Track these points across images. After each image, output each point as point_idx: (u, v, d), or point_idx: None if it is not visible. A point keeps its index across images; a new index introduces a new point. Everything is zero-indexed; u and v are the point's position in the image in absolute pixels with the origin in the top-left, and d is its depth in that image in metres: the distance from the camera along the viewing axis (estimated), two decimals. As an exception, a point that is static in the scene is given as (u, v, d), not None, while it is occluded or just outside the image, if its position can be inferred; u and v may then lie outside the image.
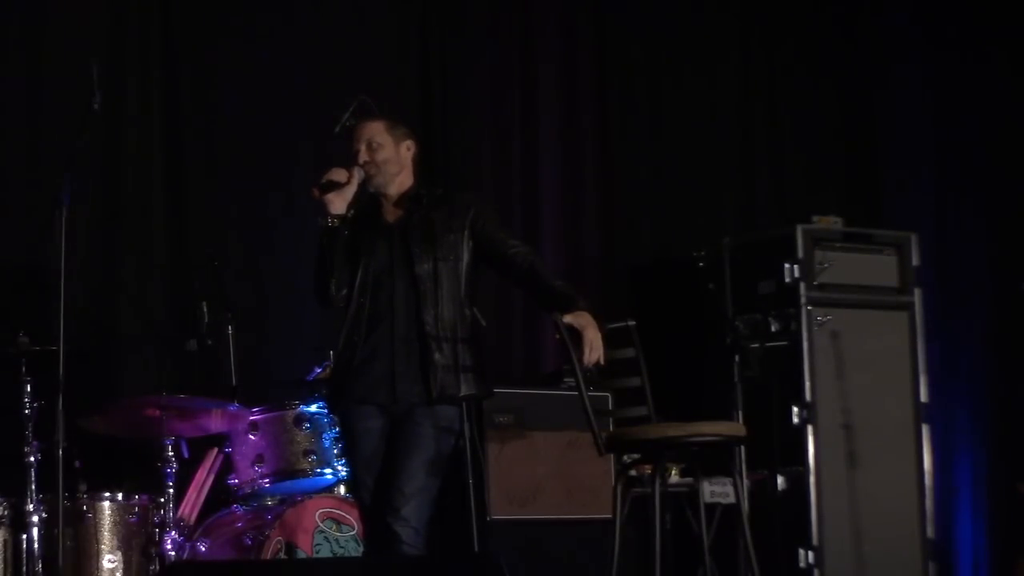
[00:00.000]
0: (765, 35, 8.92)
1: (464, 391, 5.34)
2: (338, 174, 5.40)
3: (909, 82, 9.16)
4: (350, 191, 5.39)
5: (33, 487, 5.90)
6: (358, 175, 5.39)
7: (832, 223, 7.85)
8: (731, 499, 6.94)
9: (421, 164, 5.55)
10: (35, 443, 5.92)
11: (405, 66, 7.91)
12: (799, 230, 7.70)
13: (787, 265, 7.66)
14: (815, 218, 7.80)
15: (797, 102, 8.94)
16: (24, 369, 5.98)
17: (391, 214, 5.44)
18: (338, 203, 5.36)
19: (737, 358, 6.99)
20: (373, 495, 5.27)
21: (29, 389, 5.97)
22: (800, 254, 7.67)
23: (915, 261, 7.94)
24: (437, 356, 5.30)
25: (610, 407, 7.22)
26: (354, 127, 5.56)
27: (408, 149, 5.50)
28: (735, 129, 8.79)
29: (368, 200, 5.49)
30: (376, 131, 5.47)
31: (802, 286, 7.64)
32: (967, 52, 9.11)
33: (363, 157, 5.43)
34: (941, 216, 9.03)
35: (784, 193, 8.81)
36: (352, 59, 7.66)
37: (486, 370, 5.45)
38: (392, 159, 5.46)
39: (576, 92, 8.34)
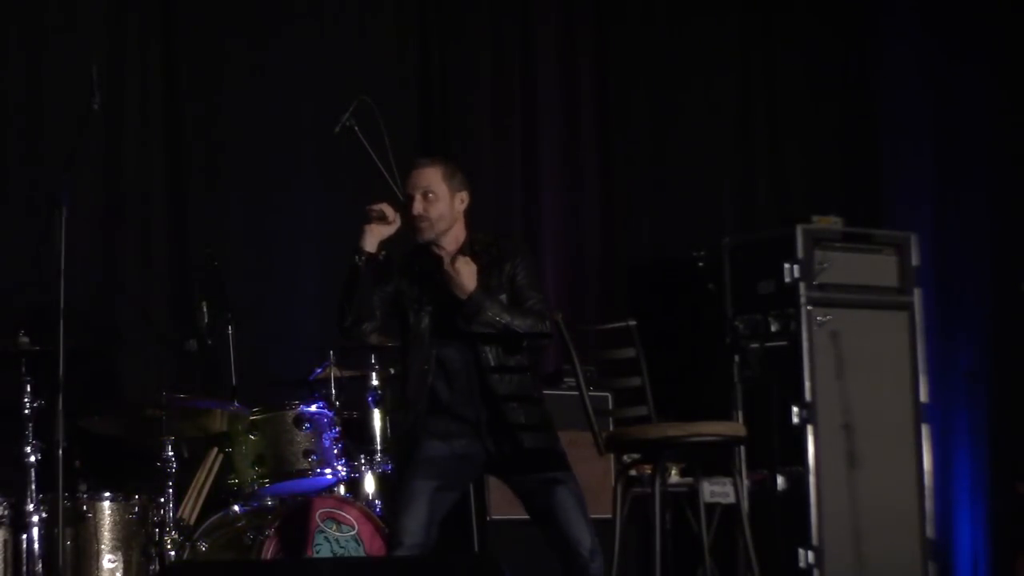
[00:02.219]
0: (765, 35, 8.92)
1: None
2: (388, 210, 5.29)
3: (909, 82, 9.16)
4: (387, 232, 5.29)
5: (33, 487, 5.89)
6: (399, 222, 5.28)
7: (832, 223, 7.86)
8: (731, 499, 6.94)
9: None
10: (35, 443, 5.92)
11: (405, 66, 7.91)
12: (799, 230, 7.71)
13: (787, 265, 7.66)
14: (815, 218, 7.81)
15: (797, 102, 8.93)
16: (24, 369, 5.97)
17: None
18: (371, 240, 5.27)
19: (737, 358, 7.00)
20: None
21: (29, 389, 5.96)
22: (800, 254, 7.67)
23: (915, 261, 7.95)
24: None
25: (610, 407, 7.21)
26: (415, 165, 5.40)
27: (462, 202, 5.37)
28: (735, 129, 8.80)
29: (422, 250, 5.36)
30: (433, 180, 5.32)
31: (802, 286, 7.64)
32: (968, 52, 9.11)
33: (417, 210, 5.29)
34: (941, 216, 9.03)
35: (784, 193, 8.81)
36: (352, 59, 7.66)
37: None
38: (446, 214, 5.31)
39: (576, 92, 8.34)
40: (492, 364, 5.28)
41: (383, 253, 5.30)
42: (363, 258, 5.24)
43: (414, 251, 5.39)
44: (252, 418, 6.35)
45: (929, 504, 7.80)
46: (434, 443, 5.27)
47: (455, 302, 5.21)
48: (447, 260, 5.24)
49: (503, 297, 5.28)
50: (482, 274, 5.25)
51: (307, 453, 6.30)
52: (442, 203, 5.30)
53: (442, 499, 5.29)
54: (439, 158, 5.48)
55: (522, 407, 5.31)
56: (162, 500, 6.11)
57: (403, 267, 5.38)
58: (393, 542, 5.21)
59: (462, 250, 5.32)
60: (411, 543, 5.15)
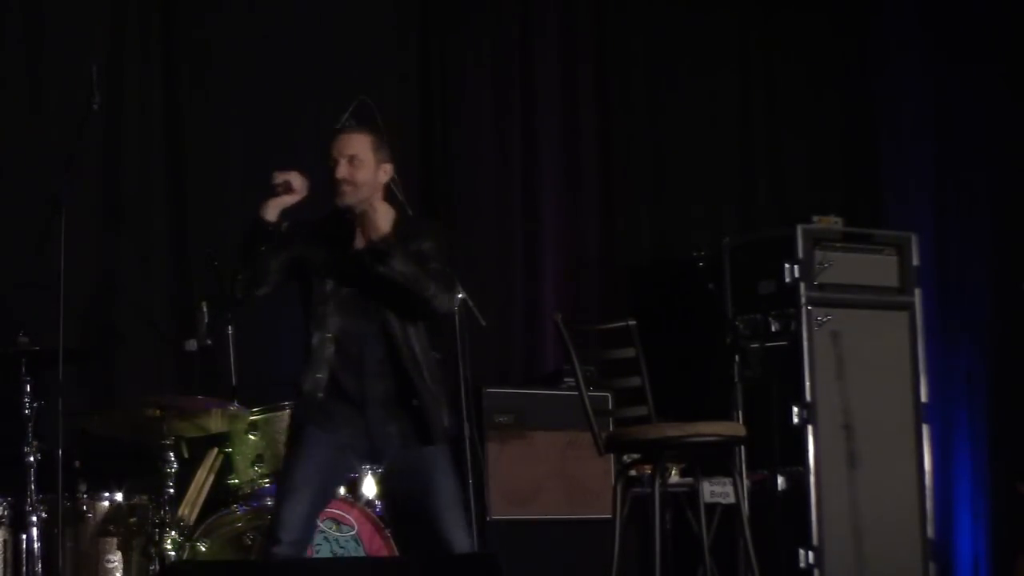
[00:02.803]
0: (765, 35, 8.92)
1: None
2: (296, 180, 5.21)
3: (909, 82, 9.16)
4: (291, 201, 5.21)
5: (33, 487, 5.89)
6: (306, 191, 5.20)
7: (832, 223, 7.85)
8: (731, 499, 6.94)
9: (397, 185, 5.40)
10: (35, 443, 5.92)
11: (405, 66, 7.91)
12: (799, 230, 7.71)
13: (787, 265, 7.66)
14: (815, 218, 7.81)
15: (797, 102, 8.93)
16: (24, 369, 5.97)
17: (362, 242, 5.22)
18: (272, 210, 5.20)
19: (737, 358, 7.00)
20: None
21: (29, 389, 5.96)
22: (800, 254, 7.67)
23: (915, 261, 7.95)
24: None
25: (610, 407, 7.22)
26: (343, 130, 5.39)
27: (385, 173, 5.30)
28: (735, 129, 8.79)
29: (336, 216, 5.28)
30: (361, 146, 5.26)
31: (802, 286, 7.64)
32: (968, 52, 9.11)
33: (342, 173, 5.24)
34: (941, 216, 9.03)
35: (784, 193, 8.81)
36: (352, 59, 7.66)
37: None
38: (369, 181, 5.25)
39: (576, 92, 8.34)
40: (400, 339, 5.17)
41: (284, 224, 5.22)
42: (262, 227, 5.18)
43: (324, 218, 5.32)
44: (252, 418, 6.35)
45: (929, 504, 7.80)
46: (320, 434, 5.15)
47: (362, 271, 5.13)
48: (367, 204, 5.17)
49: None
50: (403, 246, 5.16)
51: (307, 453, 6.29)
52: (367, 170, 5.23)
53: (322, 494, 5.21)
54: (369, 126, 5.41)
55: (421, 401, 5.18)
56: (162, 500, 6.11)
57: (311, 233, 5.29)
58: (271, 535, 5.08)
59: None
60: (289, 539, 5.03)
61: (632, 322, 6.38)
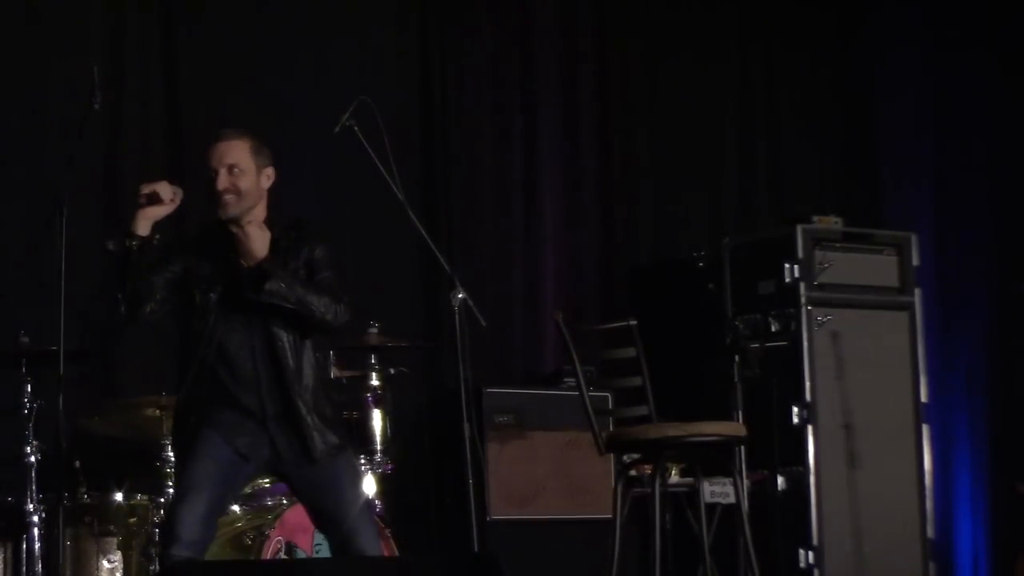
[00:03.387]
0: (765, 34, 8.92)
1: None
2: (164, 190, 5.02)
3: (909, 81, 9.16)
4: (162, 212, 5.02)
5: (33, 487, 5.89)
6: (179, 201, 5.02)
7: (832, 223, 7.85)
8: (731, 499, 6.94)
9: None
10: (35, 443, 5.91)
11: (405, 66, 7.91)
12: (799, 230, 7.70)
13: (787, 265, 7.66)
14: (815, 218, 7.80)
15: (797, 102, 8.94)
16: (24, 369, 5.97)
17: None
18: (143, 224, 4.99)
19: (737, 358, 7.00)
20: None
21: (29, 389, 5.96)
22: (800, 254, 7.67)
23: (915, 261, 7.94)
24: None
25: (610, 407, 7.23)
26: (210, 140, 5.16)
27: (268, 178, 5.10)
28: (735, 129, 8.79)
29: (219, 228, 5.08)
30: (240, 153, 5.04)
31: (802, 286, 7.64)
32: (968, 51, 9.11)
33: (223, 184, 5.00)
34: (941, 216, 9.03)
35: (784, 193, 8.81)
36: (352, 59, 7.66)
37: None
38: (252, 190, 5.04)
39: (576, 92, 8.34)
40: (286, 351, 5.01)
41: (157, 236, 5.03)
42: (135, 242, 4.97)
43: (206, 229, 5.15)
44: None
45: (929, 504, 7.80)
46: (216, 439, 5.01)
47: (246, 280, 4.96)
48: (248, 221, 4.99)
49: (301, 275, 5.04)
50: (280, 255, 5.02)
51: (307, 453, 6.29)
52: (249, 178, 5.03)
53: (220, 497, 5.04)
54: (245, 131, 5.18)
55: (313, 412, 5.03)
56: (162, 500, 6.11)
57: (193, 245, 5.14)
58: (169, 534, 4.92)
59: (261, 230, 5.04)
60: (188, 537, 4.88)
61: (632, 322, 6.38)
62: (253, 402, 5.03)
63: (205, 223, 5.16)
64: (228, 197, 5.02)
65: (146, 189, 5.02)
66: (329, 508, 5.07)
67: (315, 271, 5.07)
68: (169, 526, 4.95)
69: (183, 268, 5.07)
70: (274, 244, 5.00)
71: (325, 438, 5.04)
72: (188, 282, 5.06)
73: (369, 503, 5.15)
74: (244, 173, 5.04)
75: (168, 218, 5.09)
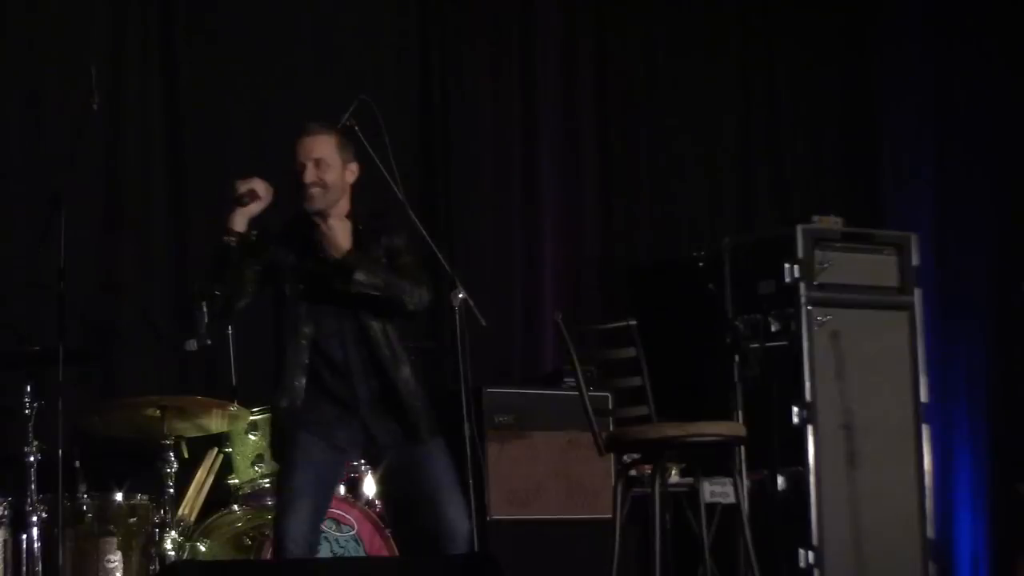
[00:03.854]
0: (765, 35, 8.92)
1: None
2: (259, 186, 5.15)
3: (910, 82, 9.16)
4: (258, 209, 5.15)
5: (33, 487, 5.89)
6: (271, 197, 5.14)
7: (832, 223, 7.85)
8: (731, 499, 6.94)
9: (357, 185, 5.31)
10: (35, 443, 5.91)
11: (405, 66, 7.91)
12: (799, 230, 7.70)
13: (787, 265, 7.66)
14: (815, 218, 7.80)
15: (797, 102, 8.94)
16: (24, 369, 5.97)
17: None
18: (240, 220, 5.13)
19: (737, 358, 7.00)
20: None
21: (29, 389, 5.96)
22: (800, 254, 7.67)
23: (915, 261, 7.94)
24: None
25: (610, 407, 7.22)
26: (296, 135, 5.29)
27: (352, 173, 5.25)
28: (735, 129, 8.79)
29: (304, 221, 5.21)
30: (326, 148, 5.18)
31: (802, 286, 7.64)
32: (968, 51, 9.11)
33: (310, 177, 5.15)
34: (941, 216, 9.03)
35: (784, 193, 8.81)
36: (352, 59, 7.66)
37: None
38: (338, 183, 5.18)
39: (576, 92, 8.34)
40: (378, 337, 5.14)
41: (254, 232, 5.16)
42: (233, 239, 5.11)
43: (292, 222, 5.25)
44: (252, 418, 6.35)
45: (929, 504, 7.79)
46: (314, 440, 5.11)
47: (334, 272, 5.08)
48: (334, 214, 5.12)
49: (382, 263, 5.16)
50: (362, 245, 5.13)
51: (307, 453, 6.29)
52: (334, 171, 5.17)
53: (325, 499, 5.18)
54: (331, 126, 5.33)
55: (409, 393, 5.16)
56: (162, 500, 6.12)
57: (280, 238, 5.24)
58: (279, 549, 5.03)
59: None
60: (298, 551, 4.99)
61: (632, 322, 6.38)
62: (346, 391, 5.16)
63: (290, 216, 5.25)
64: (314, 190, 5.15)
65: (243, 187, 5.16)
66: (423, 484, 5.13)
67: (395, 258, 5.18)
68: (279, 539, 5.04)
69: (271, 261, 5.19)
70: (356, 235, 5.12)
71: (428, 417, 5.17)
72: (276, 275, 5.19)
73: (457, 482, 5.22)
74: (330, 167, 5.17)
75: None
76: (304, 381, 5.15)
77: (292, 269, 5.17)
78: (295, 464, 5.12)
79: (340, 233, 5.09)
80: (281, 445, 5.21)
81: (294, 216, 5.26)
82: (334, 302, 5.14)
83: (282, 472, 5.20)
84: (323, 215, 5.16)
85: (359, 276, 5.04)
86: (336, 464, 5.23)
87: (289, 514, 5.05)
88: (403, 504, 5.27)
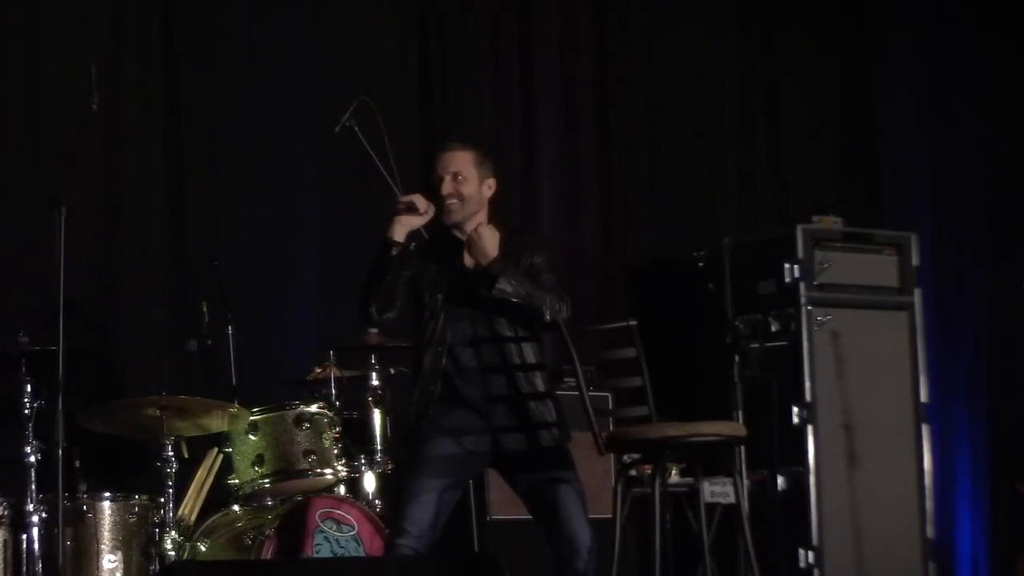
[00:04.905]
0: (765, 35, 8.92)
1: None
2: (420, 201, 5.27)
3: (910, 81, 9.16)
4: (419, 222, 5.29)
5: (33, 487, 5.89)
6: (432, 213, 5.28)
7: (832, 223, 7.86)
8: (731, 499, 6.94)
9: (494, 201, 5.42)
10: (35, 443, 5.91)
11: (405, 66, 7.91)
12: (799, 230, 7.71)
13: (787, 265, 7.66)
14: (815, 218, 7.81)
15: (797, 102, 8.94)
16: (24, 369, 5.97)
17: (470, 259, 5.28)
18: (401, 231, 5.25)
19: (737, 358, 6.99)
20: None
21: (29, 389, 5.96)
22: (800, 254, 7.67)
23: (915, 261, 7.95)
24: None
25: (610, 407, 7.22)
26: (437, 151, 5.42)
27: (490, 188, 5.36)
28: (735, 129, 8.79)
29: (443, 233, 5.36)
30: (464, 163, 5.32)
31: (802, 286, 7.64)
32: (968, 51, 9.11)
33: (447, 189, 5.29)
34: (941, 216, 9.03)
35: (784, 193, 8.81)
36: (352, 59, 7.66)
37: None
38: (475, 196, 5.31)
39: (576, 92, 8.34)
40: (511, 345, 5.26)
41: (413, 244, 5.31)
42: (395, 249, 5.24)
43: (434, 235, 5.41)
44: (252, 418, 6.35)
45: (929, 504, 7.80)
46: (444, 440, 5.24)
47: (473, 285, 5.21)
48: (471, 227, 5.25)
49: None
50: (507, 256, 5.26)
51: (307, 453, 6.30)
52: (471, 185, 5.30)
53: (450, 497, 5.28)
54: (471, 143, 5.48)
55: (540, 401, 5.28)
56: (162, 500, 6.11)
57: (422, 251, 5.37)
58: (396, 531, 5.15)
59: None
60: (418, 533, 5.12)
61: (632, 322, 6.39)
62: (477, 396, 5.26)
63: (432, 229, 5.39)
64: (452, 202, 5.28)
65: (404, 200, 5.29)
66: (547, 495, 5.25)
67: (536, 275, 5.31)
68: (399, 520, 5.18)
69: (413, 273, 5.32)
70: (502, 246, 5.24)
71: (551, 427, 5.26)
72: (418, 286, 5.31)
73: (582, 493, 5.29)
74: (467, 181, 5.30)
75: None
76: (439, 386, 5.26)
77: (432, 280, 5.30)
78: (427, 460, 5.23)
79: (489, 240, 5.21)
80: (412, 446, 5.31)
81: (434, 229, 5.39)
82: (471, 310, 5.27)
83: (409, 471, 5.29)
84: (461, 227, 5.29)
85: (503, 284, 5.17)
86: (464, 468, 5.31)
87: (412, 503, 5.17)
88: (531, 508, 5.37)
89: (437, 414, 5.26)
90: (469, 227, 5.28)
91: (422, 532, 5.15)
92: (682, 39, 8.68)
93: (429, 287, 5.30)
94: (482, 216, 5.34)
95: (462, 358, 5.27)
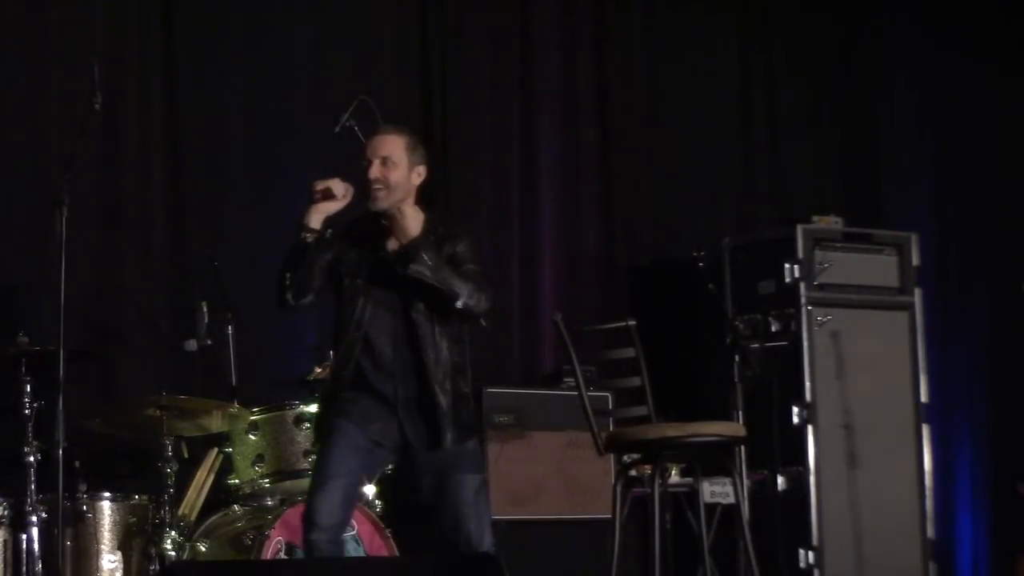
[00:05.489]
0: (764, 35, 8.92)
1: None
2: (337, 186, 5.25)
3: (909, 81, 9.16)
4: (335, 208, 5.26)
5: (33, 487, 5.89)
6: (350, 197, 5.25)
7: (832, 223, 7.86)
8: (731, 499, 6.94)
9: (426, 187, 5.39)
10: (35, 443, 5.91)
11: (405, 66, 7.91)
12: (799, 230, 7.71)
13: (787, 265, 7.67)
14: (815, 218, 7.81)
15: (797, 102, 8.94)
16: (24, 369, 5.97)
17: (393, 243, 5.25)
18: (316, 217, 5.24)
19: (737, 358, 6.99)
20: None
21: (29, 389, 5.96)
22: (800, 254, 7.67)
23: (915, 261, 7.95)
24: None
25: (610, 407, 7.23)
26: (368, 134, 5.40)
27: (419, 175, 5.31)
28: (735, 129, 8.80)
29: (368, 218, 5.31)
30: (395, 148, 5.27)
31: (802, 286, 7.64)
32: (967, 51, 9.11)
33: (375, 174, 5.24)
34: (941, 216, 9.03)
35: (784, 193, 8.81)
36: (352, 59, 7.66)
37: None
38: (403, 184, 5.26)
39: (576, 92, 8.34)
40: (427, 340, 5.20)
41: (329, 231, 5.26)
42: (309, 236, 5.22)
43: (356, 220, 5.35)
44: (252, 418, 6.36)
45: (929, 504, 7.80)
46: (351, 428, 5.20)
47: (393, 273, 5.16)
48: (397, 208, 5.20)
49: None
50: (431, 240, 5.21)
51: (307, 453, 6.30)
52: (400, 171, 5.24)
53: (355, 484, 5.30)
54: (403, 128, 5.41)
55: (451, 400, 5.22)
56: (162, 500, 6.12)
57: (343, 235, 5.33)
58: (309, 521, 5.13)
59: None
60: (326, 523, 5.10)
61: (632, 322, 6.38)
62: (388, 389, 5.24)
63: (354, 215, 5.35)
64: (378, 188, 5.21)
65: (320, 186, 5.27)
66: (445, 493, 5.22)
67: (459, 264, 5.24)
68: (309, 514, 5.15)
69: (334, 256, 5.28)
70: (427, 232, 5.20)
71: (456, 425, 5.22)
72: (338, 269, 5.28)
73: (484, 492, 5.30)
74: (396, 166, 5.26)
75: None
76: (351, 373, 5.24)
77: (352, 265, 5.26)
78: (332, 448, 5.21)
79: (412, 220, 5.18)
80: (322, 425, 5.33)
81: (357, 215, 5.35)
82: (389, 301, 5.23)
83: (319, 454, 5.32)
84: (386, 216, 5.24)
85: (417, 265, 5.10)
86: (370, 456, 5.27)
87: (319, 493, 5.14)
88: (429, 505, 5.34)
89: (346, 400, 5.24)
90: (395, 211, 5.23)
91: (333, 522, 5.13)
92: (682, 39, 8.68)
93: (350, 271, 5.26)
94: (409, 203, 5.27)
95: (377, 346, 5.23)
